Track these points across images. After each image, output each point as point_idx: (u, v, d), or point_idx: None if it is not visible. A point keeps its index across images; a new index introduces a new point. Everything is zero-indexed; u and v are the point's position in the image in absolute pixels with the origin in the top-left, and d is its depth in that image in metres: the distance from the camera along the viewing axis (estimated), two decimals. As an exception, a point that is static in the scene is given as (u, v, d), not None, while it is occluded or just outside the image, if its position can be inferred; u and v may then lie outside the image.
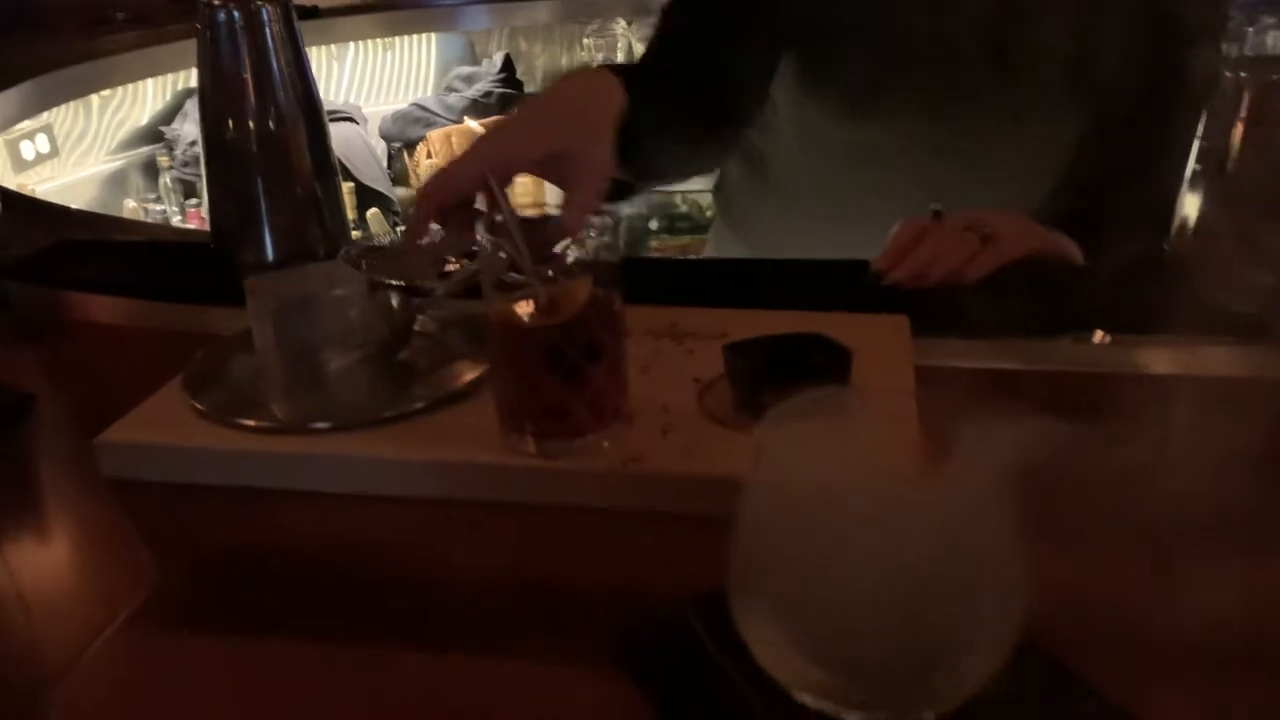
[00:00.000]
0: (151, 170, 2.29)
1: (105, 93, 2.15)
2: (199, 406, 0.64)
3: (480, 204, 0.66)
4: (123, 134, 2.26)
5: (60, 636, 0.50)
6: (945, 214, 0.86)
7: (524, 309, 0.57)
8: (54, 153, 2.04)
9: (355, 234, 1.04)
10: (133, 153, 2.27)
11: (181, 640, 0.50)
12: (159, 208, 2.27)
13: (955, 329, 0.75)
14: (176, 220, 2.25)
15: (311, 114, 0.93)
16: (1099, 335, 0.77)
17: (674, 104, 0.85)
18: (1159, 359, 0.74)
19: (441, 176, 0.67)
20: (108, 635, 0.49)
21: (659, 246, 2.80)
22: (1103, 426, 0.66)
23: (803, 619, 0.39)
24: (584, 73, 0.79)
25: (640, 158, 0.78)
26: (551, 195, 0.77)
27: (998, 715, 0.40)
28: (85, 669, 0.47)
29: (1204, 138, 0.79)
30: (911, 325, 0.72)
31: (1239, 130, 0.75)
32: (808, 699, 0.40)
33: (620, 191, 0.83)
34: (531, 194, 2.59)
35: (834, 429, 0.42)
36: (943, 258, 0.82)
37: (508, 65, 2.70)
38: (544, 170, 0.69)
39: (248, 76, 0.89)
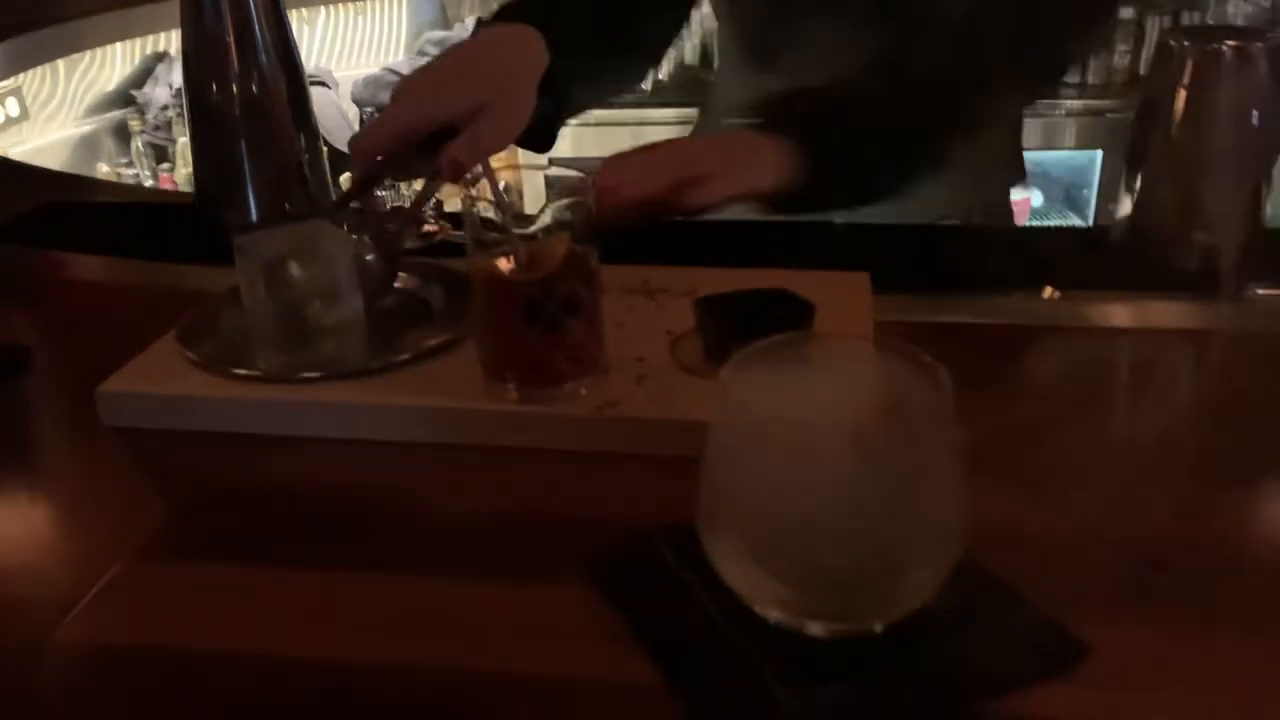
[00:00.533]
0: (123, 134, 2.28)
1: (74, 56, 2.13)
2: (193, 357, 0.67)
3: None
4: (92, 97, 2.25)
5: (70, 574, 0.54)
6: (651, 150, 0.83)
7: (505, 265, 0.61)
8: (24, 116, 2.03)
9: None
10: (103, 116, 2.26)
11: (187, 571, 0.53)
12: (131, 172, 2.26)
13: (914, 285, 0.79)
14: (149, 184, 2.25)
15: (293, 75, 0.95)
16: (1048, 291, 0.81)
17: (594, 45, 0.87)
18: (1105, 313, 0.78)
19: (366, 139, 0.71)
20: (119, 568, 0.53)
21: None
22: (1050, 375, 0.71)
23: (764, 543, 0.42)
24: (506, 28, 0.80)
25: (568, 106, 0.81)
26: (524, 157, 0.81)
27: (940, 625, 0.44)
28: (97, 601, 0.50)
29: (1149, 102, 0.82)
30: (873, 282, 0.76)
31: (1181, 96, 0.79)
32: (771, 613, 0.44)
33: (543, 139, 0.87)
34: (504, 159, 2.60)
35: (791, 371, 0.45)
36: (622, 186, 0.77)
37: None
38: (460, 125, 0.72)
39: (230, 39, 0.91)
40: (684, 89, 2.72)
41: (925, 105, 0.87)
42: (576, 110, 0.91)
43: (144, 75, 2.35)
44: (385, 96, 2.57)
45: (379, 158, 0.72)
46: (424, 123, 0.71)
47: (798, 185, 0.81)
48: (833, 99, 0.85)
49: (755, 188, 0.82)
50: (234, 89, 0.92)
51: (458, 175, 0.68)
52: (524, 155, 0.78)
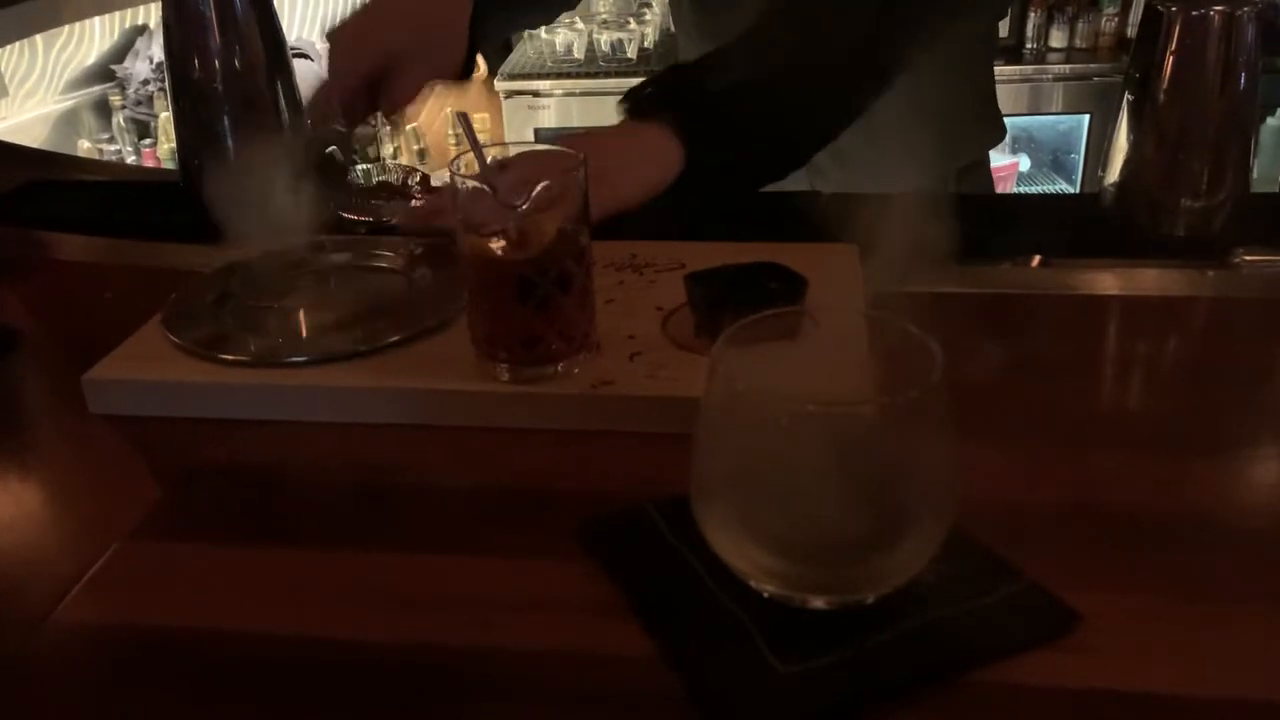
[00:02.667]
0: (104, 110, 2.26)
1: (53, 31, 2.10)
2: (179, 342, 0.67)
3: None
4: (71, 73, 2.22)
5: (65, 557, 0.54)
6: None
7: (496, 243, 0.60)
8: (2, 92, 2.01)
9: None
10: (84, 92, 2.24)
11: (184, 550, 0.53)
12: (113, 148, 2.24)
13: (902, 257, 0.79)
14: (131, 160, 2.23)
15: (276, 48, 0.94)
16: (1036, 260, 0.81)
17: None
18: (1093, 281, 0.79)
19: (314, 109, 0.80)
20: (116, 548, 0.53)
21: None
22: (1039, 344, 0.71)
23: (755, 517, 0.43)
24: None
25: (496, 38, 0.85)
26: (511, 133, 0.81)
27: (932, 595, 0.45)
28: (93, 584, 0.51)
29: (1136, 69, 0.82)
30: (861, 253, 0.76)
31: (1169, 61, 0.79)
32: (763, 586, 0.44)
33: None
34: (490, 132, 2.58)
35: (780, 347, 0.45)
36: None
37: None
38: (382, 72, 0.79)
39: (211, 12, 0.90)
40: (668, 56, 2.70)
41: (841, 53, 0.82)
42: (501, 45, 1.03)
43: (124, 49, 2.32)
44: (368, 68, 2.56)
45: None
46: (360, 72, 0.75)
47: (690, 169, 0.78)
48: (738, 74, 0.80)
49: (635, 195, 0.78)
50: (216, 63, 0.91)
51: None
52: (511, 132, 0.80)
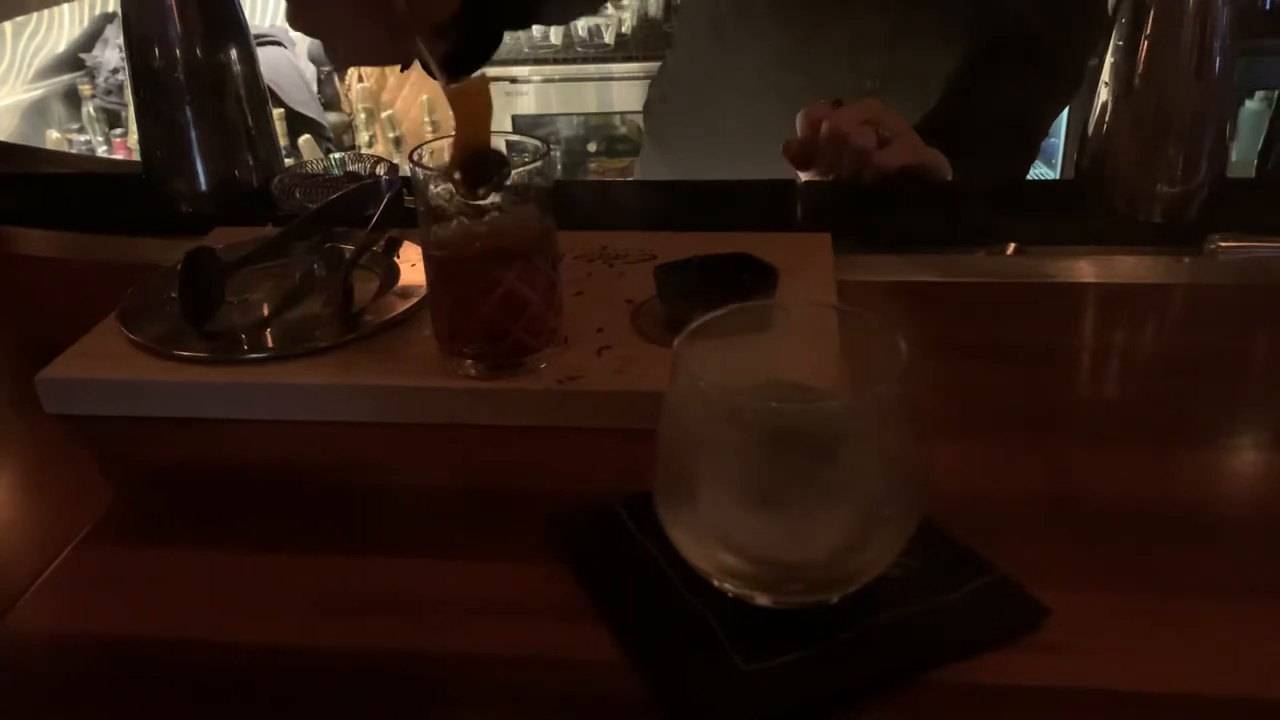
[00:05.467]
0: (73, 99, 2.23)
1: (20, 19, 2.07)
2: (136, 339, 0.65)
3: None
4: (40, 61, 2.19)
5: (16, 561, 0.52)
6: (845, 103, 0.89)
7: (460, 235, 0.59)
8: (-32, 82, 1.98)
9: (288, 161, 1.04)
10: (53, 81, 2.21)
11: (139, 553, 0.52)
12: (83, 138, 2.21)
13: (875, 245, 0.79)
14: (103, 151, 2.20)
15: (239, 38, 0.92)
16: (1011, 248, 0.80)
17: None
18: (1068, 269, 0.78)
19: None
20: (67, 553, 0.51)
21: (598, 169, 2.80)
22: (1013, 333, 0.70)
23: (716, 516, 0.42)
24: None
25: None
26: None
27: (899, 591, 0.44)
28: (44, 589, 0.49)
29: (1113, 55, 0.81)
30: (834, 242, 0.75)
31: (1144, 47, 0.78)
32: (727, 586, 0.43)
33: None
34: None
35: (749, 340, 0.44)
36: (849, 135, 0.85)
37: (440, -16, 2.63)
38: None
39: (171, 1, 0.88)
40: (647, 43, 2.68)
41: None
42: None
43: (93, 37, 2.29)
44: (344, 55, 2.53)
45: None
46: None
47: None
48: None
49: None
50: (177, 52, 0.89)
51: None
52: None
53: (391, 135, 2.46)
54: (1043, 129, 1.09)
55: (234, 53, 0.91)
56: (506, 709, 0.43)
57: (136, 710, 0.43)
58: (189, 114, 0.91)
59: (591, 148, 2.83)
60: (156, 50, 0.89)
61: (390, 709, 0.43)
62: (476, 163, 0.57)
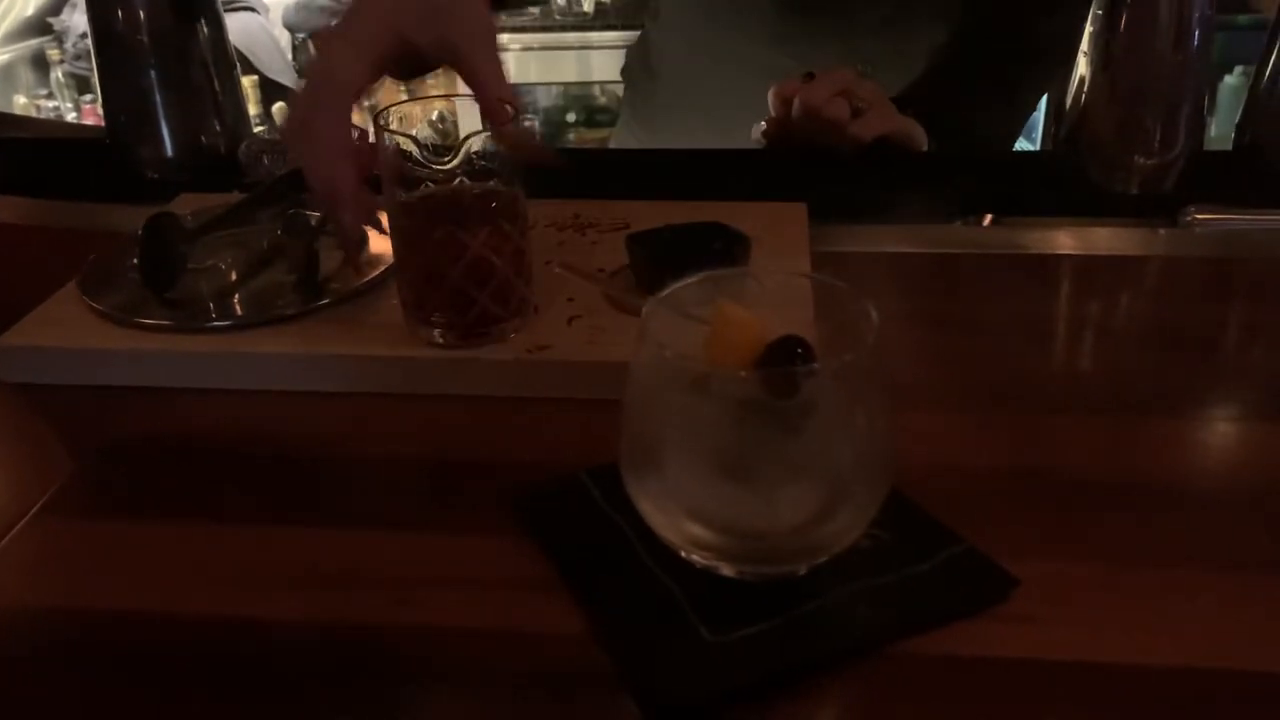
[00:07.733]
0: (42, 64, 2.19)
1: (-17, -19, 2.03)
2: (97, 307, 0.64)
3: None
4: (7, 26, 2.14)
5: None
6: (816, 75, 0.88)
7: (426, 201, 0.58)
8: (-68, 47, 1.94)
9: (259, 129, 1.02)
10: (19, 46, 2.16)
11: (97, 525, 0.51)
12: (52, 104, 2.17)
13: (852, 215, 0.78)
14: (72, 117, 2.16)
15: (205, 1, 0.90)
16: (988, 219, 0.80)
17: None
18: (1044, 240, 0.77)
19: (322, 153, 0.60)
20: (23, 525, 0.50)
21: (578, 139, 2.77)
22: (988, 304, 0.70)
23: (682, 488, 0.41)
24: None
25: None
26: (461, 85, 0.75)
27: (866, 562, 0.44)
28: (3, 556, 0.48)
29: (1092, 25, 0.81)
30: (810, 212, 0.74)
31: (1124, 20, 0.78)
32: (695, 557, 0.43)
33: None
34: (443, 85, 2.53)
35: (713, 308, 0.44)
36: (820, 109, 0.84)
37: (416, -51, 2.60)
38: (424, 53, 0.64)
39: (134, -38, 0.86)
40: (624, 11, 2.65)
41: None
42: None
43: (61, 1, 2.24)
44: (318, 21, 2.49)
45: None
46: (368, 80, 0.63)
47: None
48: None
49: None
50: (141, 15, 0.87)
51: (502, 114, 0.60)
52: (461, 84, 0.72)
53: (366, 103, 2.43)
54: (1033, 100, 1.09)
55: (199, 17, 0.89)
56: (474, 681, 0.42)
57: (94, 683, 0.42)
58: (154, 78, 0.89)
59: (570, 118, 2.80)
60: (120, 12, 0.87)
61: (356, 682, 0.42)
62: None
